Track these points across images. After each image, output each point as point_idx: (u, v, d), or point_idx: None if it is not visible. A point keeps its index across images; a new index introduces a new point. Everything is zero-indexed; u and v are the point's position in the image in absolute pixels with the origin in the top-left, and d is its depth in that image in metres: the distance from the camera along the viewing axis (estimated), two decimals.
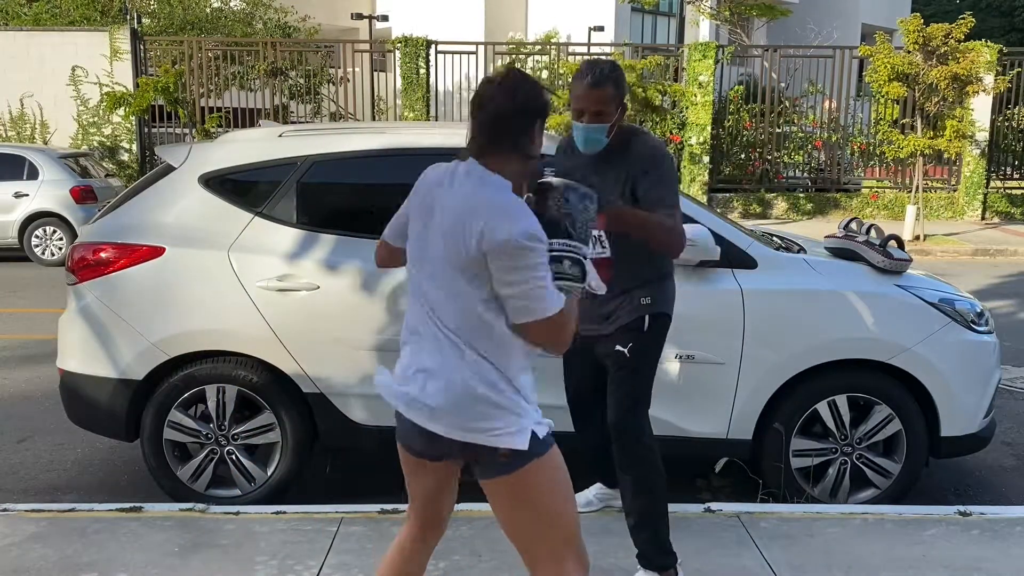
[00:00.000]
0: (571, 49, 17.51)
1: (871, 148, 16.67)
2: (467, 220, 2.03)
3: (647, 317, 3.05)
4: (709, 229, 3.75)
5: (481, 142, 2.12)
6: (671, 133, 16.34)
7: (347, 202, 4.16)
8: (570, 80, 2.64)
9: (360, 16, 22.54)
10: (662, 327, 3.12)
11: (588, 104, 2.84)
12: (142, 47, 16.92)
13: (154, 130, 16.92)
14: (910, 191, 14.63)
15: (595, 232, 2.80)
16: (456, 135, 4.31)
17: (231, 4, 20.94)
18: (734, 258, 3.83)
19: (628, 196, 2.93)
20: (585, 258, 2.14)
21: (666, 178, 2.96)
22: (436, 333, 2.12)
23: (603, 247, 2.96)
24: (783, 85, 16.77)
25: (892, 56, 13.25)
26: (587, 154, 2.94)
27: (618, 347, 3.06)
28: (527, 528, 2.21)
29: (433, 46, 16.72)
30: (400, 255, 2.32)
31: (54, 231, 11.88)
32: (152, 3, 20.70)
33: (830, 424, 3.93)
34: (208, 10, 20.74)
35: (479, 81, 2.50)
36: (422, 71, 16.64)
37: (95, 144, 16.49)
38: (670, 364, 3.80)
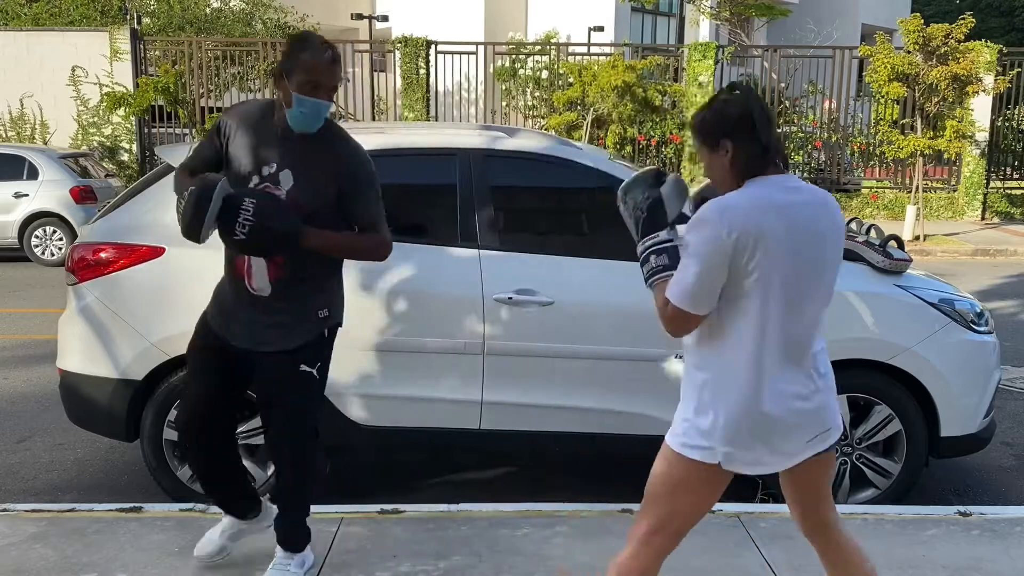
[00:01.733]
0: (571, 49, 17.51)
1: (871, 148, 16.67)
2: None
3: (326, 331, 2.90)
4: None
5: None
6: (671, 133, 16.35)
7: None
8: (301, 53, 2.57)
9: (360, 16, 22.55)
10: (333, 338, 2.96)
11: (329, 79, 2.64)
12: (142, 47, 16.91)
13: (154, 130, 16.92)
14: (910, 191, 14.63)
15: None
16: (456, 135, 4.31)
17: (231, 4, 20.94)
18: None
19: (331, 198, 2.74)
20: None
21: (377, 194, 2.83)
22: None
23: None
24: (783, 85, 16.77)
25: (892, 56, 13.25)
26: (294, 133, 2.69)
27: (304, 367, 2.83)
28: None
29: (433, 46, 16.72)
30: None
31: (54, 231, 11.88)
32: (152, 3, 20.69)
33: None
34: (208, 10, 20.73)
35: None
36: (422, 71, 16.64)
37: (95, 144, 16.49)
38: (670, 364, 3.81)
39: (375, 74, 17.54)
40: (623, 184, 2.27)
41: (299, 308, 2.83)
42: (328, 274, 2.89)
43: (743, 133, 2.15)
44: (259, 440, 3.91)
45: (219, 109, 16.03)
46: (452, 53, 16.72)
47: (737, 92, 2.20)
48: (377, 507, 3.69)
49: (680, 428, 2.23)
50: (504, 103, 17.06)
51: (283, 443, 2.92)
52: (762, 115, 2.17)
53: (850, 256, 4.10)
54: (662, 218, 2.17)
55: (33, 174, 11.93)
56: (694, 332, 2.18)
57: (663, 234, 2.17)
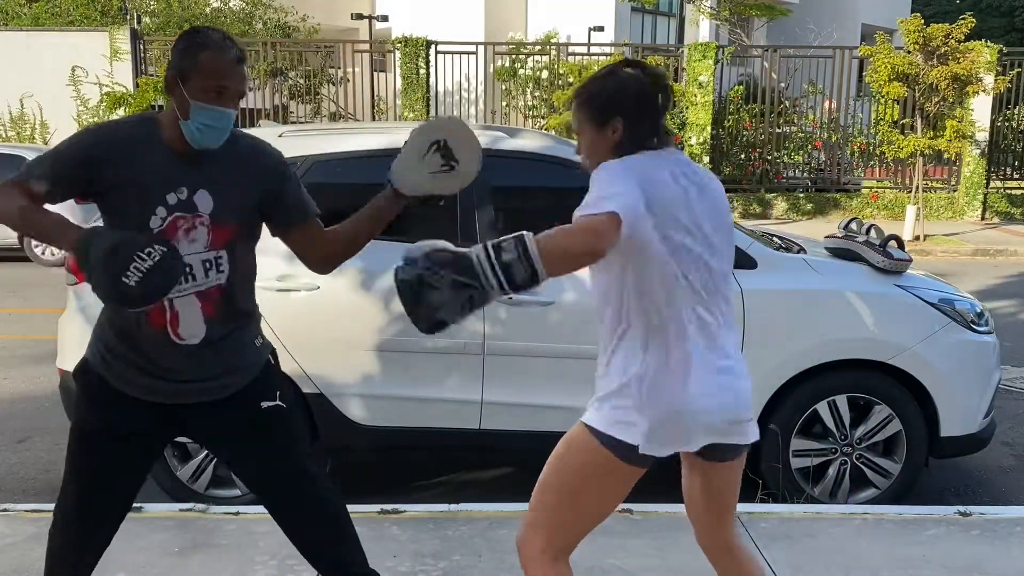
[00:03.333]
0: (571, 49, 17.51)
1: (871, 148, 16.67)
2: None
3: (270, 358, 2.44)
4: None
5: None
6: (671, 133, 16.34)
7: (347, 202, 4.14)
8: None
9: (360, 16, 22.53)
10: (279, 365, 2.52)
11: (236, 81, 2.12)
12: (142, 47, 16.91)
13: None
14: (910, 191, 14.63)
15: (208, 253, 2.19)
16: None
17: (230, 4, 20.93)
18: (734, 258, 3.83)
19: (250, 210, 2.27)
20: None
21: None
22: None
23: (219, 271, 2.22)
24: (783, 85, 16.77)
25: (892, 56, 13.25)
26: (202, 149, 2.14)
27: (266, 403, 2.32)
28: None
29: (433, 46, 16.72)
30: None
31: None
32: (152, 3, 20.69)
33: (830, 424, 3.93)
34: (207, 10, 20.73)
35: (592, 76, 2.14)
36: (422, 71, 16.64)
37: None
38: None
39: (375, 74, 17.54)
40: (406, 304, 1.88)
41: (239, 346, 2.32)
42: (253, 295, 2.42)
43: (637, 112, 2.06)
44: None
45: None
46: (452, 53, 16.71)
47: (630, 70, 2.11)
48: (377, 507, 3.69)
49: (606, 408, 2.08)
50: (504, 103, 17.06)
51: (303, 500, 2.33)
52: (666, 97, 2.10)
53: (850, 256, 4.11)
54: (460, 265, 1.84)
55: None
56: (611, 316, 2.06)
57: (471, 255, 1.84)
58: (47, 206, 2.16)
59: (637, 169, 2.01)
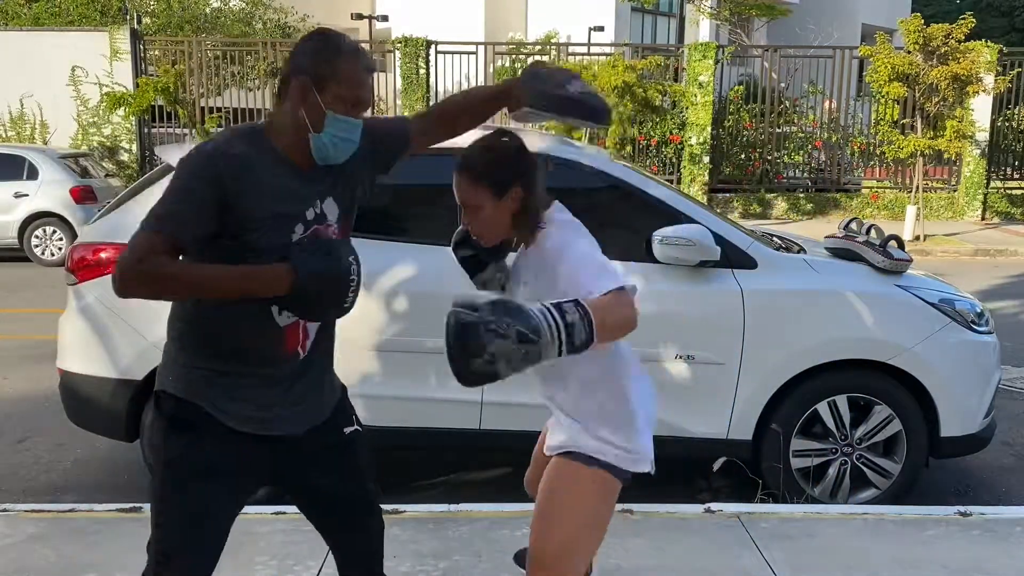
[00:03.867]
0: (571, 49, 17.51)
1: (871, 148, 16.67)
2: None
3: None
4: (709, 229, 3.76)
5: None
6: (671, 133, 16.35)
7: None
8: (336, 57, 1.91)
9: (360, 16, 22.55)
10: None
11: (369, 93, 2.00)
12: (142, 47, 16.92)
13: (154, 130, 16.91)
14: (910, 191, 14.63)
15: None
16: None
17: (231, 4, 20.94)
18: (734, 258, 3.83)
19: (360, 199, 2.19)
20: None
21: None
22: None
23: None
24: (783, 85, 16.77)
25: (892, 56, 13.25)
26: (327, 163, 2.00)
27: (348, 428, 2.23)
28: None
29: (433, 46, 16.72)
30: None
31: (54, 231, 11.88)
32: (152, 3, 20.70)
33: (830, 424, 3.93)
34: (208, 10, 20.74)
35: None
36: (422, 71, 16.65)
37: (95, 144, 16.49)
38: (670, 364, 3.81)
39: (375, 74, 17.54)
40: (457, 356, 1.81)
41: (332, 361, 2.24)
42: None
43: (533, 178, 2.08)
44: None
45: (219, 109, 16.03)
46: (452, 53, 16.72)
47: (506, 139, 2.12)
48: None
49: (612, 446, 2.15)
50: None
51: (370, 520, 2.30)
52: (543, 161, 2.17)
53: (850, 256, 4.11)
54: (529, 322, 1.82)
55: (33, 174, 11.92)
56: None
57: (541, 317, 1.83)
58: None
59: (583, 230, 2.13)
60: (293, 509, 3.66)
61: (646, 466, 2.21)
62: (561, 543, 2.14)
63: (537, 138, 4.71)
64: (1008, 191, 16.69)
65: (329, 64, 1.92)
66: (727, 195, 16.48)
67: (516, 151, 2.10)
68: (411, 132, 2.20)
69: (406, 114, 16.46)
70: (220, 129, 14.62)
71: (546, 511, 2.17)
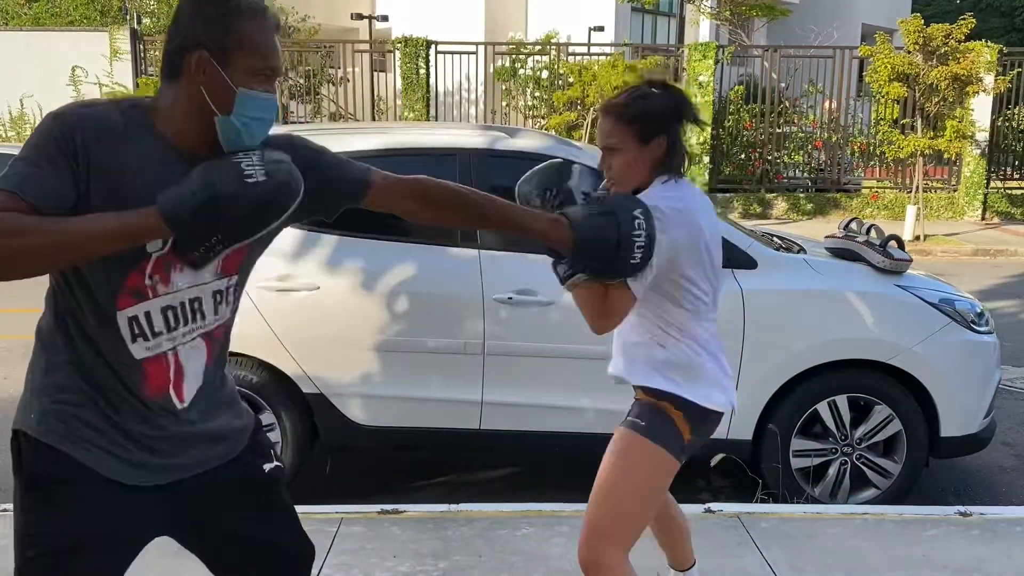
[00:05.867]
0: (571, 49, 17.50)
1: (871, 148, 16.66)
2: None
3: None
4: None
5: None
6: None
7: None
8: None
9: (360, 16, 22.53)
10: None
11: (279, 59, 1.69)
12: (142, 47, 16.91)
13: None
14: (910, 191, 14.62)
15: (219, 281, 1.75)
16: (456, 135, 4.31)
17: None
18: (734, 258, 3.83)
19: None
20: None
21: None
22: None
23: (227, 303, 1.78)
24: (783, 85, 16.76)
25: (892, 56, 13.24)
26: (237, 149, 1.60)
27: (267, 464, 1.88)
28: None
29: (433, 46, 16.71)
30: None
31: None
32: (152, 3, 20.69)
33: (830, 424, 3.93)
34: None
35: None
36: (422, 71, 16.63)
37: None
38: None
39: (375, 74, 17.53)
40: (524, 180, 2.12)
41: (233, 395, 1.88)
42: None
43: (679, 130, 2.17)
44: None
45: None
46: (452, 53, 16.71)
47: (656, 89, 2.20)
48: (377, 507, 3.68)
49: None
50: (504, 103, 17.05)
51: (300, 567, 1.97)
52: (695, 112, 2.23)
53: (850, 256, 4.11)
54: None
55: None
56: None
57: None
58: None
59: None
60: None
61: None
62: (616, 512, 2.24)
63: (537, 137, 4.71)
64: (1008, 191, 16.68)
65: (231, 30, 1.57)
66: (727, 195, 16.47)
67: (667, 100, 2.17)
68: (370, 186, 1.83)
69: (407, 115, 16.39)
70: None
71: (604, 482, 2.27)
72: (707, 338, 2.26)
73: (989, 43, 15.70)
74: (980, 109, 15.52)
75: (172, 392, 1.69)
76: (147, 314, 1.64)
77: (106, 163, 1.54)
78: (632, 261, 1.83)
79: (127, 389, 1.65)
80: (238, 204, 1.49)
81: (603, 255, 1.83)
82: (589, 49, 17.78)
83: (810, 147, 16.89)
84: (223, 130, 1.61)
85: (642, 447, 2.21)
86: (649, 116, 2.14)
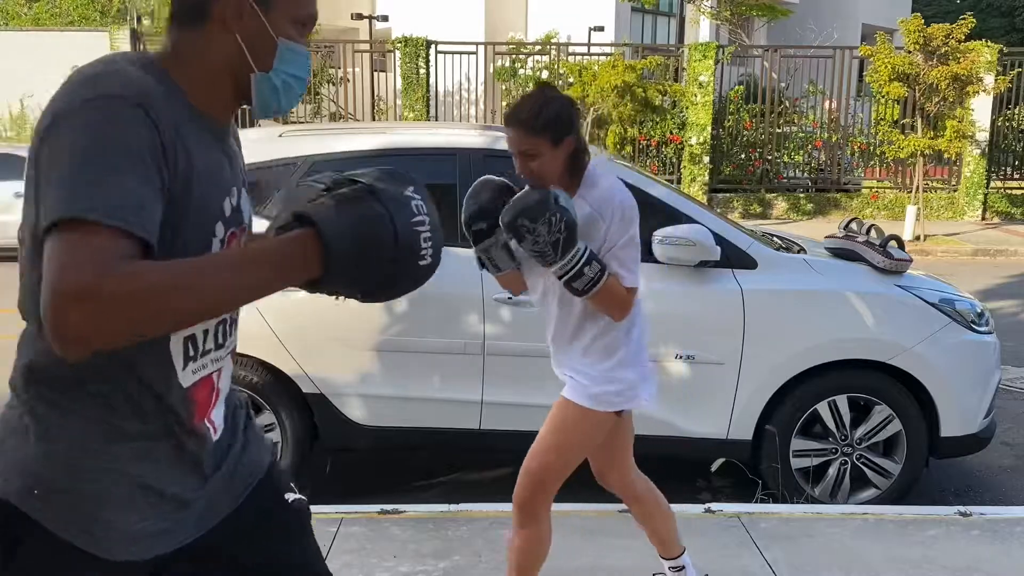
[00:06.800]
0: (571, 49, 17.50)
1: (871, 148, 16.66)
2: None
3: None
4: (709, 229, 3.76)
5: None
6: (671, 133, 16.34)
7: None
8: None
9: (360, 16, 22.53)
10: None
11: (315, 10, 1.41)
12: (142, 47, 16.91)
13: None
14: (910, 191, 14.62)
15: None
16: (456, 135, 4.31)
17: None
18: (734, 258, 3.83)
19: None
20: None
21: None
22: None
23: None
24: (783, 85, 16.76)
25: (892, 56, 13.24)
26: (268, 116, 1.39)
27: (291, 495, 1.59)
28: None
29: (433, 46, 16.71)
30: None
31: None
32: (152, 3, 20.69)
33: (830, 424, 3.93)
34: None
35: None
36: (422, 71, 16.63)
37: None
38: (670, 364, 3.81)
39: (375, 74, 17.53)
40: (514, 212, 2.27)
41: (248, 418, 1.61)
42: None
43: (577, 128, 2.40)
44: None
45: None
46: (452, 53, 16.71)
47: (552, 95, 2.39)
48: (377, 507, 3.68)
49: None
50: (504, 103, 17.04)
51: None
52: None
53: (850, 256, 4.11)
54: (575, 233, 2.26)
55: None
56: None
57: (580, 244, 2.28)
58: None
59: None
60: None
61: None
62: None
63: None
64: (1008, 191, 16.68)
65: None
66: (727, 195, 16.47)
67: (566, 104, 2.39)
68: None
69: (407, 115, 16.37)
70: None
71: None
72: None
73: (989, 43, 15.71)
74: (980, 109, 15.52)
75: (210, 416, 1.40)
76: (205, 331, 1.35)
77: (181, 154, 1.21)
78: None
79: (177, 427, 1.33)
80: (410, 277, 1.23)
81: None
82: (589, 49, 17.78)
83: (810, 147, 16.89)
84: (260, 91, 1.32)
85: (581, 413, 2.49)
86: (559, 121, 2.34)
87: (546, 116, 2.33)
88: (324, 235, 1.15)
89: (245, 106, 1.37)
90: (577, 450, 2.54)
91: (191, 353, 1.32)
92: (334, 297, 1.25)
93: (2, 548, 1.25)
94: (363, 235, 1.17)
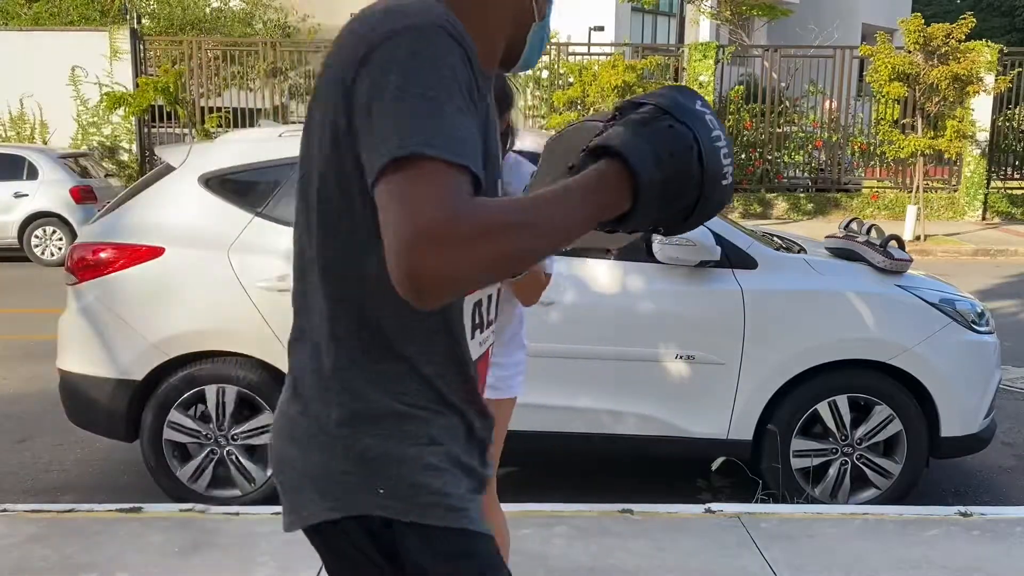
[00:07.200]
0: (571, 49, 17.51)
1: (871, 148, 16.66)
2: None
3: None
4: (709, 229, 3.76)
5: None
6: None
7: None
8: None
9: None
10: None
11: None
12: (142, 47, 16.91)
13: (154, 130, 16.91)
14: (911, 191, 14.63)
15: None
16: None
17: (231, 4, 20.92)
18: (734, 258, 3.83)
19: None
20: None
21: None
22: None
23: None
24: (783, 85, 16.76)
25: (893, 56, 13.25)
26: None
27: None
28: None
29: None
30: None
31: (54, 231, 11.88)
32: (152, 3, 20.69)
33: (830, 424, 3.93)
34: (208, 10, 20.73)
35: None
36: None
37: (95, 144, 16.49)
38: (670, 364, 3.80)
39: None
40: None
41: None
42: None
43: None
44: (259, 441, 3.91)
45: (219, 109, 16.03)
46: None
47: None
48: None
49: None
50: None
51: None
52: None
53: (851, 256, 4.11)
54: None
55: (33, 174, 11.92)
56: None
57: None
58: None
59: None
60: None
61: None
62: None
63: (538, 138, 4.71)
64: (1008, 191, 16.69)
65: None
66: None
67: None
68: None
69: None
70: (219, 129, 14.68)
71: None
72: None
73: (989, 43, 15.71)
74: (980, 109, 15.53)
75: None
76: (490, 297, 1.28)
77: (480, 102, 1.14)
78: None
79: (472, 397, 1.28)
80: (713, 201, 1.12)
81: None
82: (589, 49, 17.77)
83: (810, 147, 16.90)
84: (534, 42, 1.25)
85: None
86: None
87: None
88: (630, 161, 1.04)
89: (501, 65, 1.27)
90: None
91: (477, 320, 1.26)
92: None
93: (392, 565, 1.20)
94: (669, 157, 1.06)
